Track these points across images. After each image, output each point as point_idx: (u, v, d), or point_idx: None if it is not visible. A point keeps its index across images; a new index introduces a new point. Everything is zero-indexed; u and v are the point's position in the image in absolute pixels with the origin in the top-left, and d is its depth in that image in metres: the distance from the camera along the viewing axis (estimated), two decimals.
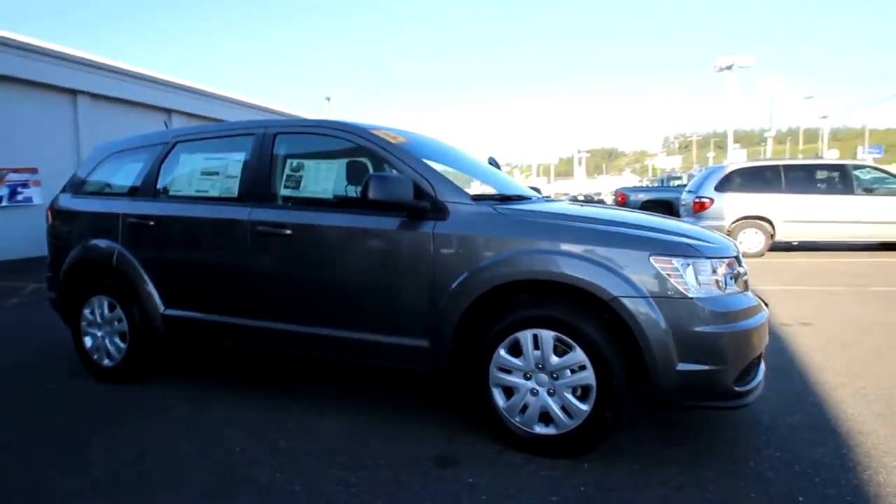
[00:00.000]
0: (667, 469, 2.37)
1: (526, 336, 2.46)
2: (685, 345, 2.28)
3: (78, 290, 3.70)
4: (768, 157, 42.59)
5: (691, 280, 2.32)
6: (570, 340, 2.40)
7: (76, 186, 3.94)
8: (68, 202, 3.90)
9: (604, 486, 2.23)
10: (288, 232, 2.92)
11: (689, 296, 2.30)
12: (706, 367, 2.28)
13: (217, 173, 3.31)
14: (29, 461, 2.54)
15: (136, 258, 3.44)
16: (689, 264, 2.34)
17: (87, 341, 3.70)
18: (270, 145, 3.14)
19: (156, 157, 3.58)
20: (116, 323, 3.57)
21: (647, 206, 14.08)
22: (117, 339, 3.57)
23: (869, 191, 9.34)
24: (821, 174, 9.56)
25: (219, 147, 3.41)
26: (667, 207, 13.88)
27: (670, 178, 23.94)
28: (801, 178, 9.49)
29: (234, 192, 3.21)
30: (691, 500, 2.14)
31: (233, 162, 3.27)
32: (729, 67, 24.64)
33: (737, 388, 2.35)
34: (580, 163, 63.38)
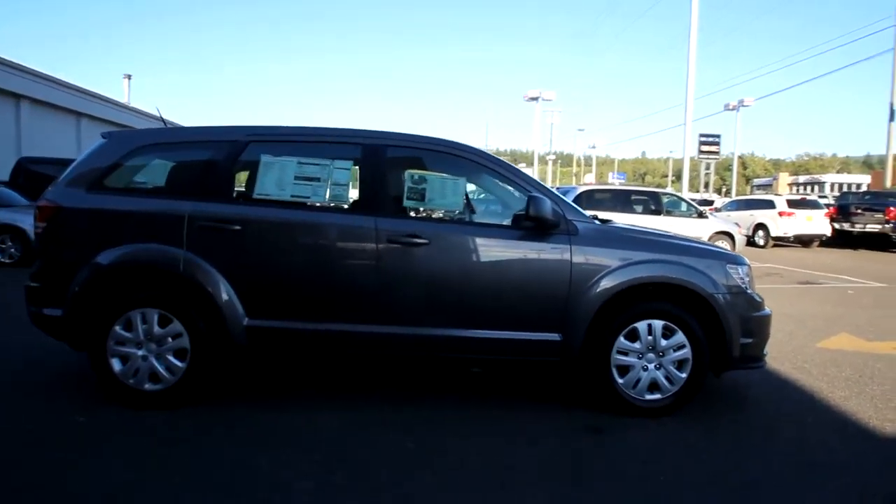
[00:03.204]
0: (741, 416, 3.34)
1: (643, 325, 3.19)
2: (744, 325, 3.27)
3: (106, 303, 3.17)
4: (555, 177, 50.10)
5: (745, 280, 3.34)
6: (674, 326, 3.20)
7: (91, 182, 3.31)
8: (82, 199, 3.27)
9: (712, 431, 3.09)
10: (424, 241, 3.13)
11: (746, 291, 3.31)
12: (754, 340, 3.31)
13: (318, 179, 3.26)
14: None
15: (211, 265, 3.15)
16: (741, 268, 3.35)
17: (116, 364, 3.19)
18: (383, 156, 3.26)
19: (224, 157, 3.30)
20: (171, 339, 3.19)
21: None
22: (172, 358, 3.19)
23: (669, 212, 12.33)
24: (642, 198, 12.28)
25: (313, 152, 3.33)
26: None
27: None
28: (629, 201, 12.05)
29: (346, 200, 3.24)
30: (765, 433, 3.11)
31: (338, 170, 3.27)
32: (536, 99, 28.99)
33: (763, 354, 3.44)
34: None
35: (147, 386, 3.20)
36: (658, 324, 3.20)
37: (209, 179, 3.29)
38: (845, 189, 41.48)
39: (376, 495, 2.34)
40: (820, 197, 22.47)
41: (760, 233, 15.94)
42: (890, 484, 2.62)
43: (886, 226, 14.15)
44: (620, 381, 3.22)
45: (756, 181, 71.76)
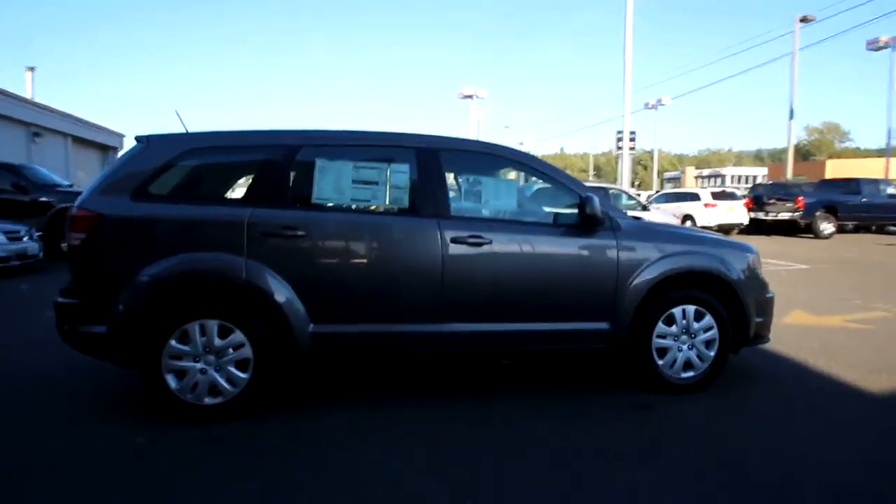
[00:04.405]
0: (754, 388, 3.77)
1: (678, 311, 3.54)
2: (758, 306, 3.72)
3: (161, 316, 3.05)
4: None
5: (756, 266, 3.79)
6: (703, 310, 3.58)
7: (135, 188, 3.14)
8: (127, 207, 3.10)
9: (737, 402, 3.50)
10: (486, 241, 3.28)
11: (759, 276, 3.76)
12: (764, 319, 3.78)
13: (375, 183, 3.31)
14: None
15: (276, 272, 3.12)
16: (753, 255, 3.81)
17: (171, 380, 3.08)
18: (437, 160, 3.37)
19: (278, 161, 3.26)
20: (232, 350, 3.13)
21: None
22: (233, 369, 3.13)
23: None
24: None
25: (366, 156, 3.38)
26: None
27: None
28: None
29: (405, 203, 3.32)
30: (783, 400, 3.57)
31: (395, 173, 3.34)
32: (470, 97, 29.64)
33: (769, 331, 3.92)
34: None
35: (207, 400, 3.13)
36: (691, 308, 3.56)
37: (265, 184, 3.24)
38: (744, 180, 45.62)
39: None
40: (734, 188, 24.74)
41: (688, 223, 17.32)
42: None
43: (796, 213, 15.94)
44: (660, 362, 3.55)
45: (666, 175, 76.95)
